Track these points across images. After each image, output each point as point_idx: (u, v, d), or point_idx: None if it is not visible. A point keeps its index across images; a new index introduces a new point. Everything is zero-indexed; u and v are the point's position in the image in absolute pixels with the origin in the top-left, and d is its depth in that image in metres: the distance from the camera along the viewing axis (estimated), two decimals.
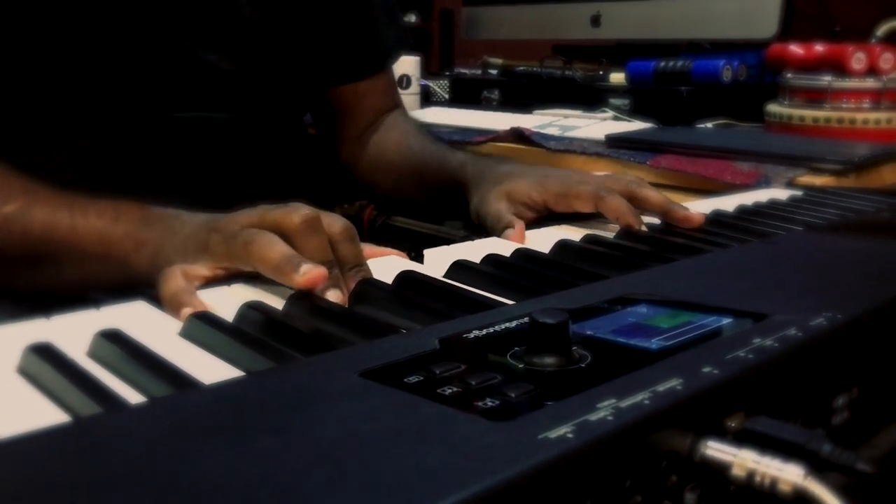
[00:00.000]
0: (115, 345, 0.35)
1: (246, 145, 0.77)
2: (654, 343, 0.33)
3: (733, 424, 0.28)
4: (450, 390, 0.28)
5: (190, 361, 0.35)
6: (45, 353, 0.34)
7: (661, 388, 0.28)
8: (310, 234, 0.46)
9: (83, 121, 0.68)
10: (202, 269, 0.46)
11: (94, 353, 0.36)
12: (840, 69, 1.11)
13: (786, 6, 1.27)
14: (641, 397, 0.27)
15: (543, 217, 0.67)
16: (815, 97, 1.12)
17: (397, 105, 0.95)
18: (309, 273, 0.42)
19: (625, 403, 0.26)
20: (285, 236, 0.45)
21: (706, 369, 0.29)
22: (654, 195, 0.64)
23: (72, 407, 0.31)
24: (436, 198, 0.82)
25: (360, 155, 0.90)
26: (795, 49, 1.19)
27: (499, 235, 0.62)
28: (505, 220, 0.64)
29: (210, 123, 0.74)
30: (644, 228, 0.61)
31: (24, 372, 0.34)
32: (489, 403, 0.27)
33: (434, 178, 0.81)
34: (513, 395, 0.27)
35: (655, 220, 0.65)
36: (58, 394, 0.32)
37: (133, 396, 0.32)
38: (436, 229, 1.09)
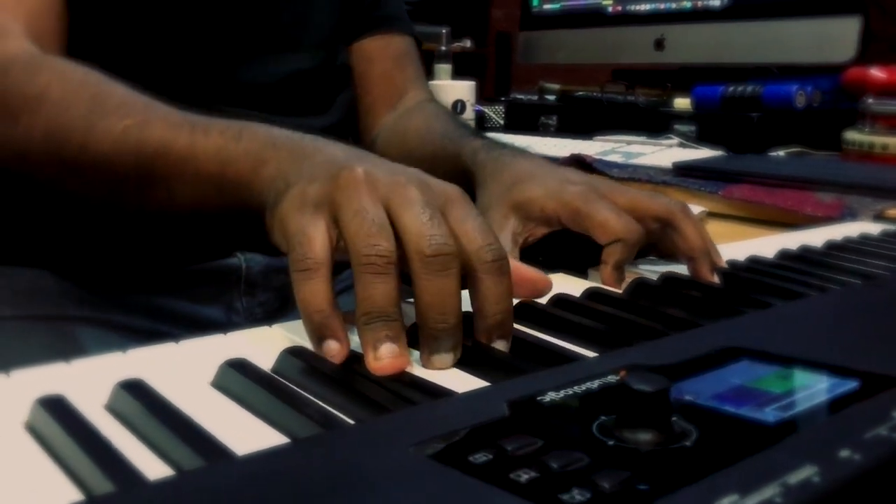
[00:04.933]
0: (137, 398, 0.31)
1: None
2: (770, 414, 0.27)
3: None
4: (526, 476, 0.23)
5: (222, 419, 0.31)
6: (55, 408, 0.29)
7: (792, 479, 0.22)
8: (438, 275, 0.36)
9: None
10: (326, 247, 0.38)
11: (112, 407, 0.32)
12: None
13: (864, 28, 1.20)
14: (772, 492, 0.21)
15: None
16: None
17: (422, 88, 0.89)
18: (384, 360, 0.35)
19: (752, 501, 0.21)
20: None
21: (844, 453, 0.24)
22: (692, 235, 0.54)
23: (81, 478, 0.26)
24: None
25: (380, 140, 0.84)
26: (877, 73, 1.12)
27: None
28: (508, 230, 0.56)
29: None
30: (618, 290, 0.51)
31: (33, 429, 0.30)
32: (577, 497, 0.21)
33: (448, 166, 0.70)
34: (606, 484, 0.22)
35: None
36: (66, 460, 0.27)
37: (153, 464, 0.27)
38: None
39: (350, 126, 0.86)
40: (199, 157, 0.49)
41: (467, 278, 0.38)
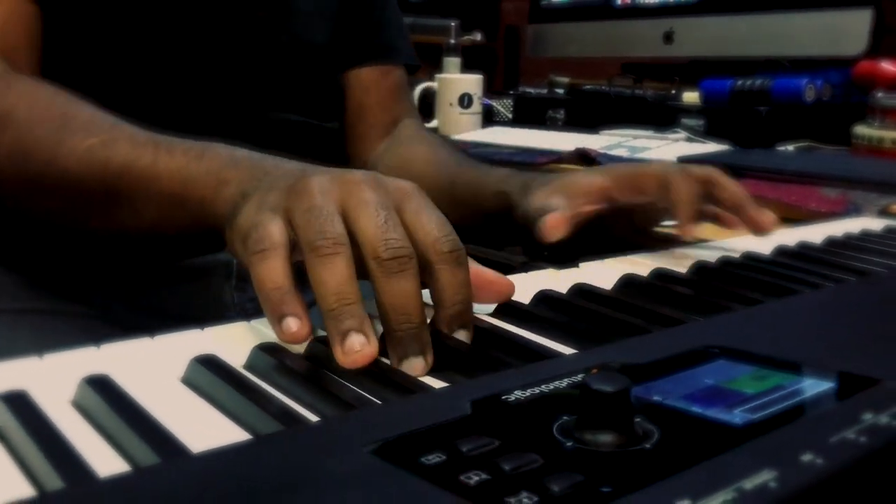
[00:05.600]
0: (100, 394, 0.31)
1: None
2: (738, 415, 0.27)
3: None
4: (476, 478, 0.22)
5: (187, 416, 0.30)
6: (16, 403, 0.29)
7: (748, 483, 0.21)
8: (396, 277, 0.36)
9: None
10: (282, 234, 0.38)
11: (78, 402, 0.31)
12: None
13: (875, 21, 1.18)
14: (724, 497, 0.21)
15: (602, 247, 0.60)
16: None
17: (415, 118, 0.90)
18: (353, 355, 0.34)
19: None
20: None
21: (806, 457, 0.23)
22: (733, 186, 0.59)
23: (35, 474, 0.26)
24: (470, 213, 0.75)
25: (378, 165, 0.84)
26: (887, 66, 1.10)
27: (538, 226, 0.55)
28: (550, 207, 0.56)
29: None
30: (694, 233, 0.55)
31: None
32: (525, 501, 0.21)
33: (470, 194, 0.72)
34: (556, 488, 0.21)
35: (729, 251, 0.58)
36: (22, 456, 0.27)
37: (112, 461, 0.27)
38: (492, 254, 1.03)
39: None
40: (162, 176, 0.49)
41: (425, 272, 0.38)
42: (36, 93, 0.56)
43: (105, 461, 0.27)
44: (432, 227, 0.38)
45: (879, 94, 1.07)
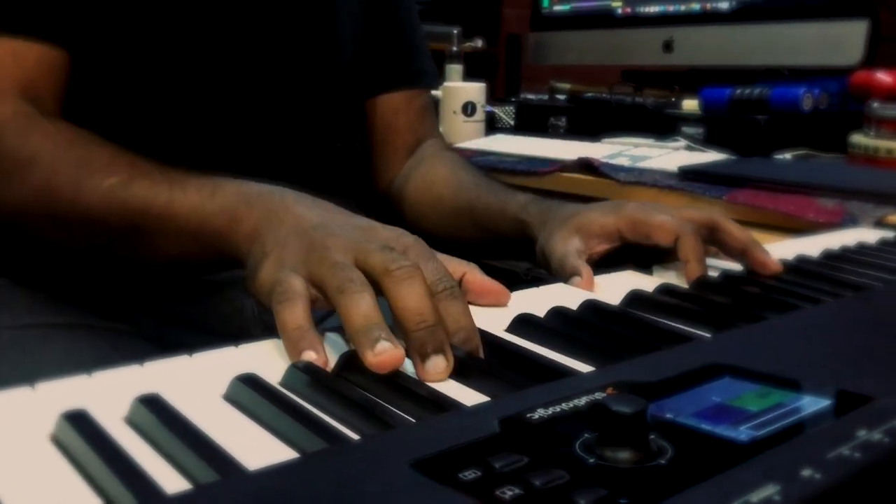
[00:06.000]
0: (154, 412, 0.33)
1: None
2: (744, 433, 0.29)
3: None
4: (510, 492, 0.25)
5: (234, 433, 0.33)
6: (79, 422, 0.32)
7: (755, 497, 0.24)
8: (407, 288, 0.41)
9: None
10: (304, 287, 0.44)
11: (132, 420, 0.34)
12: None
13: (871, 31, 1.21)
14: None
15: (609, 256, 0.63)
16: None
17: (438, 137, 0.94)
18: (382, 355, 0.38)
19: None
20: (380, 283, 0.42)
21: (806, 472, 0.26)
22: (737, 231, 0.61)
23: (105, 491, 0.28)
24: (489, 237, 0.78)
25: (404, 186, 0.88)
26: (883, 77, 1.13)
27: (565, 281, 0.59)
28: (570, 264, 0.60)
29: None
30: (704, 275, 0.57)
31: (58, 441, 0.32)
32: None
33: (489, 218, 0.77)
34: (582, 501, 0.24)
35: (732, 265, 0.61)
36: (91, 473, 0.29)
37: (171, 477, 0.30)
38: (497, 261, 1.05)
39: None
40: (179, 214, 0.54)
41: None
42: (59, 134, 0.60)
43: (165, 477, 0.29)
44: (429, 272, 0.43)
45: (875, 105, 1.09)
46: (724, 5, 1.38)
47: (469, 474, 0.26)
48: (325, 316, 0.50)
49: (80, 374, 0.38)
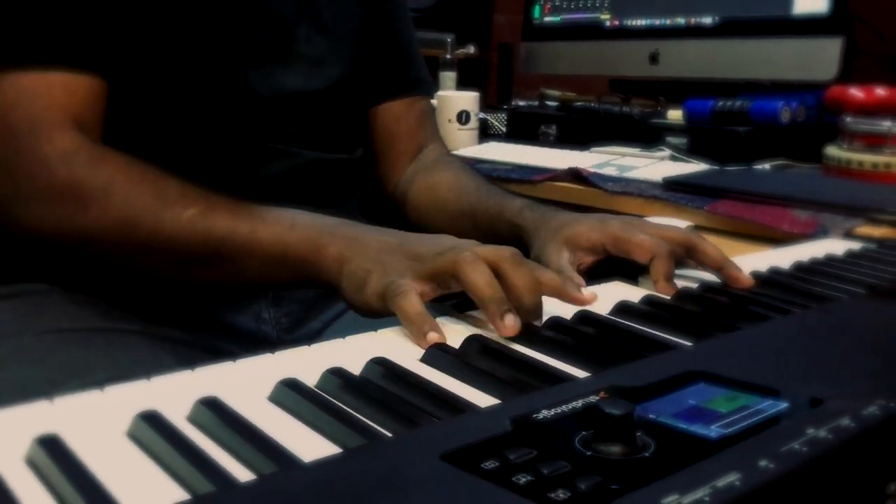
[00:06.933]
0: (214, 413, 0.39)
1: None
2: (714, 431, 0.35)
3: None
4: (524, 479, 0.30)
5: (281, 430, 0.38)
6: (153, 421, 0.37)
7: (720, 483, 0.30)
8: (521, 267, 0.53)
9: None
10: (419, 286, 0.53)
11: (194, 419, 0.39)
12: None
13: (846, 47, 1.28)
14: (702, 493, 0.29)
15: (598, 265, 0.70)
16: (875, 142, 1.12)
17: (439, 142, 1.00)
18: (512, 325, 0.50)
19: (687, 500, 0.29)
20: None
21: (762, 463, 0.32)
22: (711, 250, 0.67)
23: (184, 479, 0.34)
24: (489, 240, 0.84)
25: (407, 190, 0.94)
26: (855, 92, 1.19)
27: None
28: (564, 271, 0.66)
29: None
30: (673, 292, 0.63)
31: (134, 437, 0.38)
32: (561, 496, 0.29)
33: (488, 221, 0.83)
34: (582, 486, 0.30)
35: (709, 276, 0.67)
36: (168, 463, 0.35)
37: (236, 468, 0.35)
38: None
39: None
40: (262, 242, 0.61)
41: None
42: (129, 167, 0.65)
43: (231, 468, 0.35)
44: (525, 280, 0.54)
45: (848, 119, 1.16)
46: (707, 20, 1.44)
47: (490, 464, 0.32)
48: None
49: (134, 377, 0.44)
